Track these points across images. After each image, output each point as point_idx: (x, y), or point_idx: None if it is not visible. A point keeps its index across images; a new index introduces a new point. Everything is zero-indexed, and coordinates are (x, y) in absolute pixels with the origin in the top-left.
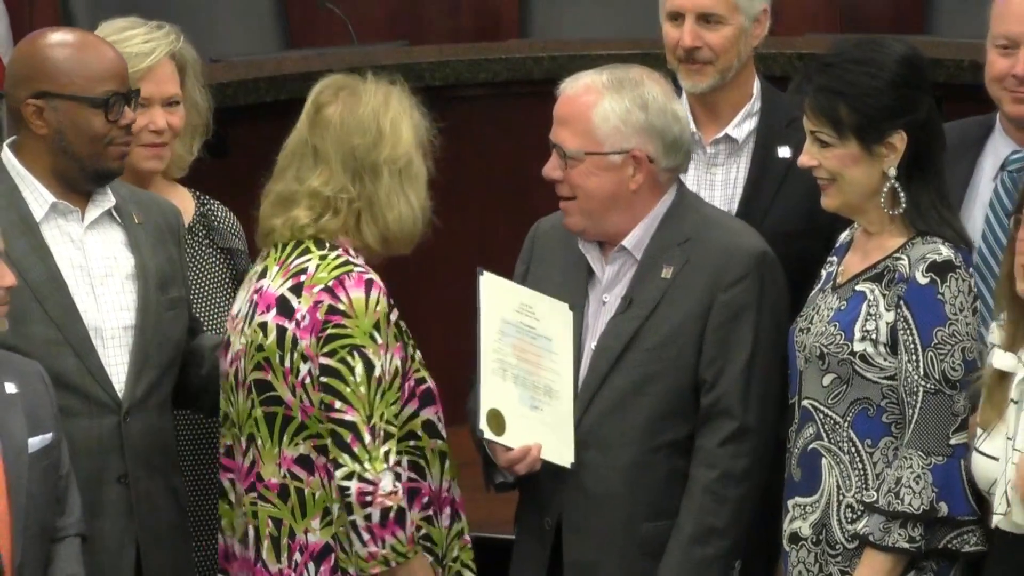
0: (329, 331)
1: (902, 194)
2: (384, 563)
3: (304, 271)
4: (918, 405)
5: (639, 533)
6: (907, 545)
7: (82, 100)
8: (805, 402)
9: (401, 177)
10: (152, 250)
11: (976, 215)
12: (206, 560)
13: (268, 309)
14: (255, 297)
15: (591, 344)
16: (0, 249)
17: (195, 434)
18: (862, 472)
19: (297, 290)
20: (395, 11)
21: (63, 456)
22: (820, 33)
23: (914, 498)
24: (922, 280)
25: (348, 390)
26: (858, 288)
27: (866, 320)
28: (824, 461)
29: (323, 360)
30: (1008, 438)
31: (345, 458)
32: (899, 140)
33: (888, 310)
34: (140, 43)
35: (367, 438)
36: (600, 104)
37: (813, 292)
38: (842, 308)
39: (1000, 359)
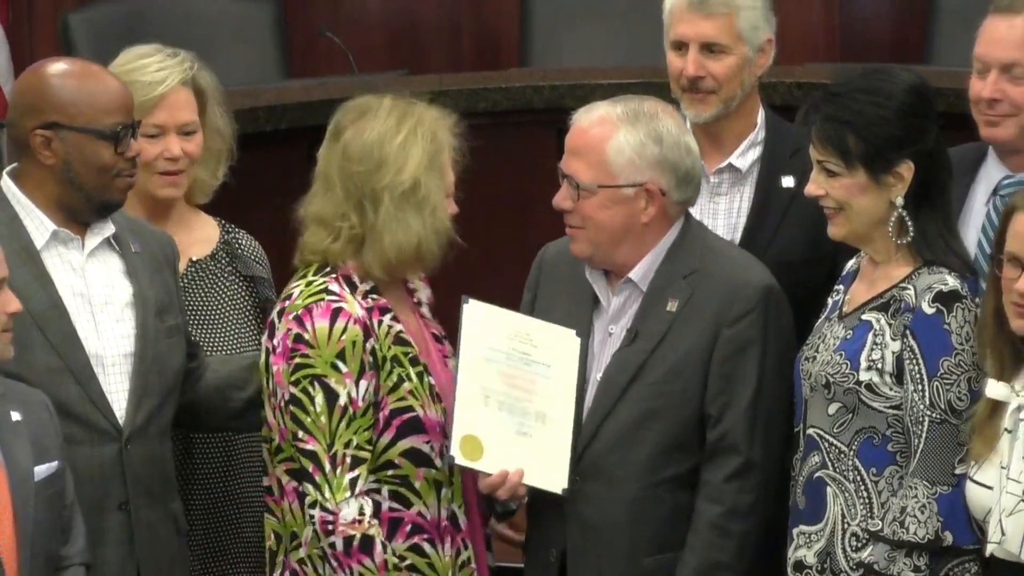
0: (296, 360)
1: (909, 223)
2: None
3: (290, 296)
4: (923, 435)
5: (642, 567)
6: (912, 574)
7: (91, 132)
8: (810, 431)
9: (402, 202)
10: (149, 278)
11: (970, 239)
12: None
13: (268, 330)
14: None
15: (596, 375)
16: (3, 276)
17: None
18: (867, 501)
19: (280, 315)
20: (395, 40)
21: (68, 485)
22: (820, 62)
23: (919, 527)
24: (928, 310)
25: (309, 420)
26: (864, 317)
27: (872, 349)
28: (829, 489)
29: (290, 388)
30: (1002, 467)
31: (308, 487)
32: (907, 169)
33: (894, 339)
34: (154, 71)
35: (327, 467)
36: (615, 137)
37: (819, 321)
38: (848, 337)
39: (994, 389)
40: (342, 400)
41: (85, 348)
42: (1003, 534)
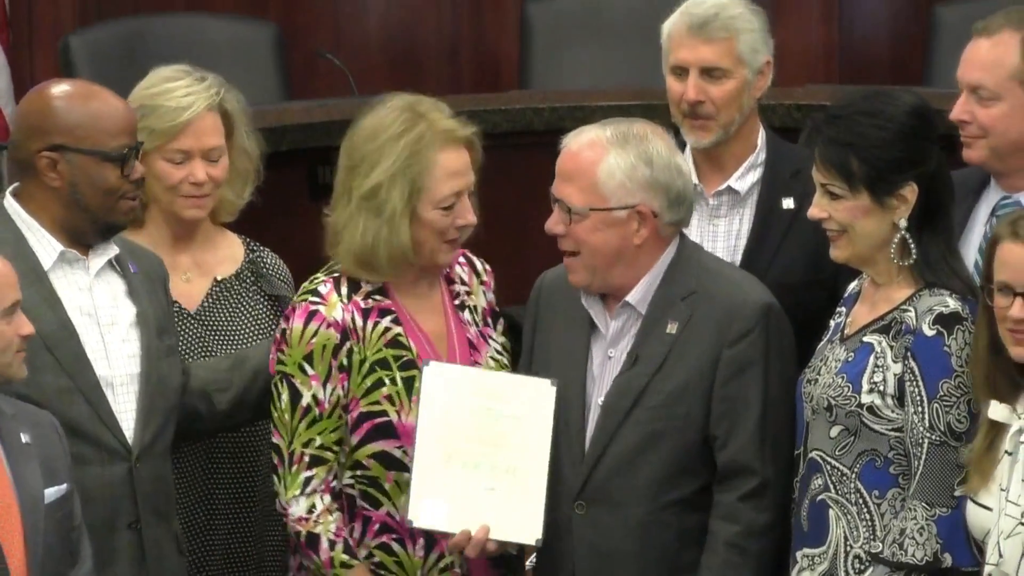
0: (277, 355)
1: (912, 245)
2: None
3: None
4: (923, 457)
5: None
6: None
7: (97, 154)
8: (813, 453)
9: (361, 204)
10: (149, 298)
11: (970, 261)
12: None
13: None
14: None
15: (598, 400)
16: (17, 299)
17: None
18: (870, 523)
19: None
20: (395, 61)
21: (76, 507)
22: (819, 84)
23: (918, 549)
24: (929, 332)
25: (276, 415)
26: (866, 340)
27: (874, 372)
28: (832, 512)
29: (271, 381)
30: (1002, 489)
31: (274, 477)
32: (910, 191)
33: (896, 362)
34: (180, 96)
35: (286, 463)
36: (605, 160)
37: (821, 343)
38: (850, 360)
39: (995, 410)
40: (305, 400)
41: (94, 368)
42: (1001, 556)
